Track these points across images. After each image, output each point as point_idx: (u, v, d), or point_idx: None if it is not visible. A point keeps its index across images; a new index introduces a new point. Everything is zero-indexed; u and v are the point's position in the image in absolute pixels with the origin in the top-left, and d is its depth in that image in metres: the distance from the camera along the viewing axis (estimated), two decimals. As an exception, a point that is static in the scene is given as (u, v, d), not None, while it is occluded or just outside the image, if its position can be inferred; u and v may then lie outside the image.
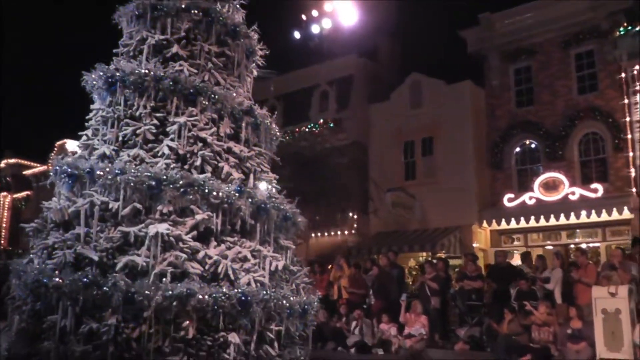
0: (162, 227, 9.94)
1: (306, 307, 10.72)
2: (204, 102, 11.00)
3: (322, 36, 26.17)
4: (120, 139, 11.08)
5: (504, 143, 26.90)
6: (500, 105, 27.40)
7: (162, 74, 10.90)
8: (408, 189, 27.96)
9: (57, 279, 9.74)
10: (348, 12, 26.62)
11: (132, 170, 10.28)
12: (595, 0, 24.78)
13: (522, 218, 25.67)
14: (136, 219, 10.40)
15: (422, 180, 28.47)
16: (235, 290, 9.82)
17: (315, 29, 25.93)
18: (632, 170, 23.64)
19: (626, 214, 23.35)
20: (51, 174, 11.18)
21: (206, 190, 10.30)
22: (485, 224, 26.88)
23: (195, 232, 10.25)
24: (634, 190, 23.50)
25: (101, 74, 11.17)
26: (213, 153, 10.85)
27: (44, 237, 10.83)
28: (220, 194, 10.34)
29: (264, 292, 10.04)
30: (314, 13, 26.07)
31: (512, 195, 26.17)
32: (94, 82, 11.37)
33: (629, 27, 23.86)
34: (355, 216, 29.70)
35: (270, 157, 12.17)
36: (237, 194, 10.52)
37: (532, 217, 25.36)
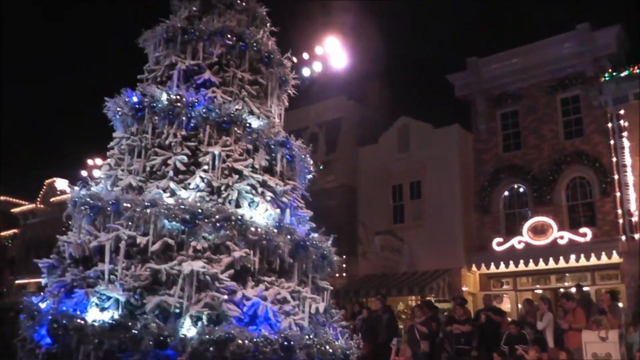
0: (197, 265, 8.85)
1: (347, 352, 9.63)
2: (238, 131, 10.01)
3: (312, 79, 25.45)
4: (147, 169, 10.00)
5: (491, 187, 26.36)
6: (487, 149, 26.95)
7: (194, 100, 9.89)
8: (396, 232, 27.13)
9: (78, 320, 8.55)
10: (338, 55, 25.96)
11: (164, 203, 9.19)
12: (581, 46, 24.64)
13: (511, 262, 25.01)
14: (166, 255, 9.30)
15: (411, 224, 27.69)
16: (278, 334, 8.73)
17: (305, 71, 25.20)
18: (620, 214, 23.18)
19: (615, 258, 22.87)
20: (69, 205, 10.00)
21: (244, 226, 9.25)
22: (474, 267, 26.11)
23: (232, 271, 9.16)
24: (622, 234, 23.00)
25: (127, 99, 10.12)
26: (249, 186, 9.80)
27: (60, 274, 9.63)
28: (259, 229, 9.29)
29: (307, 336, 8.96)
30: (305, 56, 25.35)
31: (500, 239, 25.53)
32: (118, 109, 10.30)
33: (614, 73, 23.68)
34: (343, 258, 28.61)
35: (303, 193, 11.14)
36: (275, 230, 9.47)
37: (521, 261, 24.72)
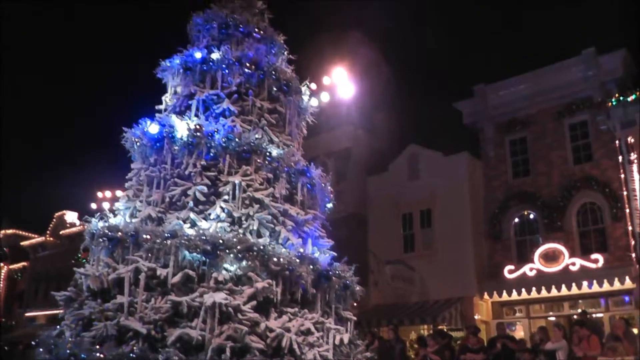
0: (219, 297, 8.63)
1: (372, 385, 9.36)
2: (258, 160, 9.86)
3: (320, 109, 25.29)
4: (166, 200, 9.81)
5: (502, 214, 26.03)
6: (497, 176, 26.67)
7: (214, 129, 9.74)
8: (407, 261, 26.76)
9: (97, 354, 8.32)
10: (346, 85, 25.89)
11: (185, 234, 8.99)
12: (587, 71, 24.51)
13: (523, 289, 24.56)
14: (187, 287, 9.08)
15: (421, 252, 27.33)
16: (302, 366, 8.48)
17: (314, 102, 25.04)
18: (632, 240, 22.87)
19: (628, 283, 22.45)
20: (86, 237, 9.80)
21: (266, 256, 9.04)
22: (486, 295, 25.68)
23: (254, 302, 8.92)
24: (634, 259, 22.66)
25: (146, 130, 9.98)
26: (270, 216, 9.59)
27: (77, 307, 9.40)
28: (282, 260, 9.08)
29: (332, 368, 8.71)
30: (313, 86, 25.24)
31: (512, 267, 25.13)
32: (136, 140, 10.15)
33: (621, 98, 23.50)
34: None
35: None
36: (297, 260, 9.25)
37: (533, 288, 24.27)
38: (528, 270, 24.95)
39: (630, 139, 23.19)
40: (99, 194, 29.36)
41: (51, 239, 39.42)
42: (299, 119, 11.28)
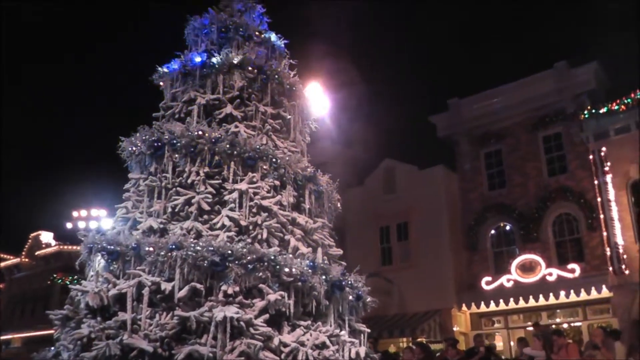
0: (230, 311, 7.96)
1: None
2: (264, 167, 9.23)
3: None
4: (169, 210, 9.12)
5: (478, 226, 25.80)
6: (472, 188, 26.40)
7: (218, 135, 9.10)
8: (385, 274, 26.30)
9: (101, 375, 7.61)
10: (321, 101, 25.40)
11: (191, 245, 8.32)
12: (560, 83, 24.48)
13: (501, 300, 24.31)
14: (194, 301, 8.39)
15: (399, 265, 26.90)
16: (320, 382, 7.86)
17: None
18: (608, 248, 22.76)
19: (605, 292, 22.33)
20: (82, 251, 9.05)
21: (277, 267, 8.40)
22: (464, 307, 25.35)
23: (266, 316, 8.28)
24: (610, 268, 22.54)
25: (145, 137, 9.28)
26: (279, 224, 8.97)
27: (74, 326, 8.61)
28: (294, 270, 8.46)
29: (350, 383, 8.11)
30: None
31: (489, 278, 24.87)
32: (134, 148, 9.45)
33: (593, 110, 23.50)
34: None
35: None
36: (310, 271, 8.64)
37: (511, 299, 24.05)
38: (505, 281, 24.79)
39: (604, 150, 23.18)
40: (75, 214, 28.28)
41: (27, 260, 37.88)
42: (303, 125, 10.68)
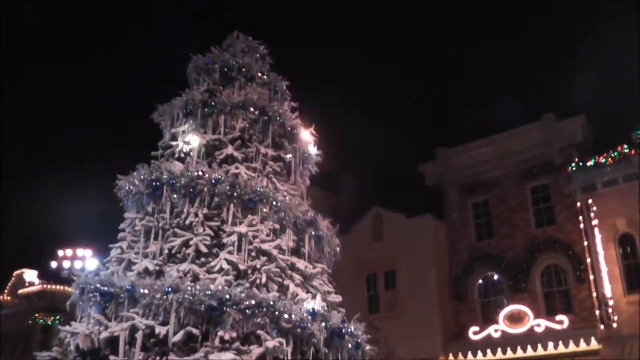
0: (227, 357, 7.63)
1: None
2: (264, 210, 8.97)
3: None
4: (165, 251, 8.80)
5: (466, 275, 25.43)
6: (460, 238, 26.16)
7: (218, 176, 8.84)
8: (372, 322, 25.77)
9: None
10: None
11: (188, 288, 7.99)
12: (547, 136, 24.48)
13: (488, 350, 23.81)
14: (189, 346, 8.03)
15: (386, 313, 26.39)
16: None
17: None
18: (596, 301, 22.55)
19: (594, 344, 22.00)
20: (74, 291, 8.67)
21: (276, 313, 8.08)
22: (451, 356, 24.78)
23: (264, 363, 7.92)
24: (599, 321, 22.29)
25: (144, 176, 9.00)
26: (278, 269, 8.67)
27: (63, 369, 8.21)
28: (293, 316, 8.13)
29: None
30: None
31: (477, 328, 24.43)
32: (131, 187, 9.16)
33: (581, 162, 23.51)
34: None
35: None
36: (309, 317, 8.32)
37: (499, 349, 23.58)
38: (493, 331, 24.35)
39: (592, 203, 23.12)
40: (60, 252, 27.65)
41: (9, 298, 36.88)
42: (304, 168, 10.44)
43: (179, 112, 9.81)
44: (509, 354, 23.59)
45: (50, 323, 27.74)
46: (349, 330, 8.70)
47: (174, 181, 8.82)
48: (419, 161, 27.46)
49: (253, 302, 7.96)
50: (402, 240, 26.44)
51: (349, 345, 8.74)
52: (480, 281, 25.73)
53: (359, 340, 9.00)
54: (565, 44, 51.41)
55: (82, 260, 26.04)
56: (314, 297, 8.92)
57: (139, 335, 7.85)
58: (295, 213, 9.15)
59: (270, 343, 7.92)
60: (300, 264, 9.01)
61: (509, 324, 24.06)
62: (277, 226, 9.02)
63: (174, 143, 9.83)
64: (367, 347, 9.35)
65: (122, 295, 8.20)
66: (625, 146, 22.72)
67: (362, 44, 56.13)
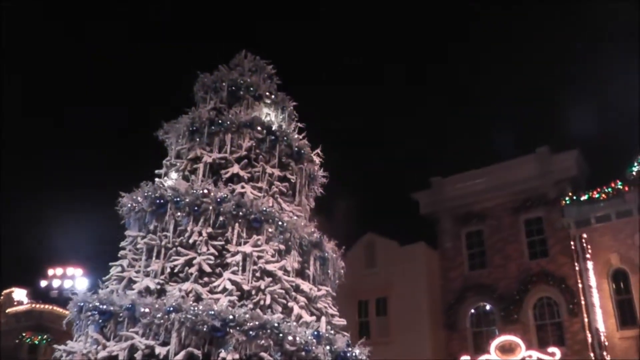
0: (230, 380, 7.34)
1: None
2: (270, 230, 8.73)
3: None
4: (167, 270, 8.55)
5: (458, 305, 25.19)
6: (453, 267, 25.98)
7: (223, 195, 8.63)
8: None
9: None
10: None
11: (191, 308, 7.74)
12: (541, 169, 24.47)
13: (479, 380, 23.62)
14: (189, 368, 7.75)
15: (377, 340, 25.90)
16: None
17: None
18: (589, 334, 22.35)
19: (586, 377, 21.83)
20: (72, 310, 8.39)
21: (280, 335, 7.83)
22: (442, 386, 24.58)
23: (267, 387, 7.65)
24: (592, 354, 22.07)
25: (148, 193, 8.77)
26: (283, 290, 8.43)
27: (58, 391, 7.90)
28: (297, 339, 7.88)
29: None
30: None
31: (468, 358, 24.13)
32: (134, 205, 8.91)
33: (574, 197, 23.47)
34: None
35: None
36: (314, 340, 8.07)
37: (490, 380, 23.37)
38: (484, 361, 24.10)
39: (585, 237, 23.06)
40: (50, 271, 27.15)
41: (-3, 317, 36.23)
42: (309, 189, 10.23)
43: (185, 130, 9.60)
44: (500, 385, 23.31)
45: (37, 342, 27.18)
46: (354, 354, 8.44)
47: (178, 199, 8.59)
48: (414, 189, 27.34)
49: (257, 323, 7.71)
50: (394, 267, 26.27)
51: (353, 371, 8.47)
52: (473, 311, 25.54)
53: (363, 365, 8.73)
54: (563, 78, 51.79)
55: (72, 279, 25.58)
56: (318, 319, 8.68)
57: (138, 356, 7.57)
58: (301, 234, 8.92)
59: (274, 366, 7.66)
60: (305, 285, 8.77)
61: (500, 354, 23.81)
62: (282, 247, 8.78)
63: (178, 161, 9.61)
64: (370, 374, 9.07)
65: (121, 314, 7.92)
66: (619, 182, 22.71)
67: (360, 66, 56.31)
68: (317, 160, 10.31)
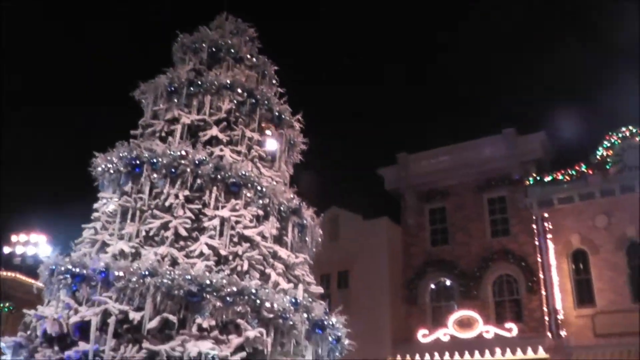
0: (205, 346, 7.12)
1: None
2: (248, 195, 8.45)
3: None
4: (142, 234, 8.23)
5: (419, 279, 25.26)
6: (416, 243, 25.97)
7: (202, 157, 8.32)
8: (324, 321, 25.44)
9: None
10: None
11: (167, 272, 7.46)
12: (507, 149, 24.55)
13: (436, 353, 23.67)
14: (164, 334, 7.50)
15: (337, 313, 26.04)
16: None
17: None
18: (546, 312, 22.69)
19: (541, 353, 22.12)
20: (43, 273, 8.04)
21: (258, 302, 7.61)
22: (399, 358, 24.66)
23: (244, 354, 7.45)
24: (548, 331, 22.43)
25: (123, 154, 8.41)
26: (261, 256, 8.21)
27: (28, 356, 7.55)
28: (275, 306, 7.68)
29: None
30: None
31: (426, 331, 24.29)
32: (109, 165, 8.55)
33: (538, 178, 23.64)
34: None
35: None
36: (292, 308, 7.89)
37: (447, 353, 23.48)
38: (442, 335, 24.27)
39: (547, 218, 23.28)
40: (14, 238, 26.24)
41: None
42: (289, 155, 9.96)
43: (163, 90, 9.21)
44: (457, 358, 23.59)
45: (-4, 310, 26.42)
46: (330, 323, 8.29)
47: (154, 160, 8.24)
48: (380, 165, 27.25)
49: (235, 289, 7.46)
50: (357, 241, 26.20)
51: (329, 339, 8.32)
52: (433, 286, 25.67)
53: (339, 333, 8.58)
54: (533, 64, 52.11)
55: (36, 246, 24.81)
56: (295, 287, 8.49)
57: (111, 321, 7.26)
58: (280, 200, 8.67)
59: (251, 333, 7.43)
60: (283, 252, 8.53)
61: (458, 329, 24.06)
62: (260, 212, 8.51)
63: (155, 122, 9.24)
64: (347, 342, 8.94)
65: (94, 278, 7.59)
66: (583, 165, 22.95)
67: (334, 39, 55.72)
68: (297, 126, 10.03)
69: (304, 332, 7.89)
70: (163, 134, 9.05)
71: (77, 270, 7.56)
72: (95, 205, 8.61)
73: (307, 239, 9.21)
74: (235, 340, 7.42)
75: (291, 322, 7.73)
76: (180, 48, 10.14)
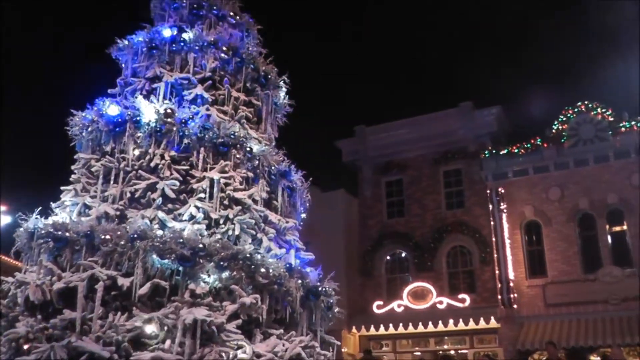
0: (200, 313, 6.71)
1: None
2: (238, 156, 8.01)
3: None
4: (127, 196, 7.72)
5: (374, 251, 25.30)
6: (372, 215, 25.81)
7: (189, 117, 7.84)
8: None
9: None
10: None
11: (157, 235, 7.01)
12: (463, 123, 24.66)
13: (390, 325, 23.88)
14: (154, 301, 7.07)
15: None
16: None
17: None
18: (498, 282, 23.01)
19: (493, 323, 22.49)
20: (21, 238, 7.46)
21: (253, 267, 7.24)
22: (354, 329, 24.71)
23: (239, 321, 7.08)
24: (500, 301, 22.76)
25: (104, 111, 7.84)
26: (252, 220, 7.81)
27: (7, 325, 7.00)
28: (271, 271, 7.32)
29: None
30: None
31: (381, 302, 24.43)
32: (88, 124, 7.97)
33: (494, 151, 23.84)
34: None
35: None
36: (287, 273, 7.55)
37: (401, 324, 23.65)
38: (396, 306, 24.52)
39: (501, 190, 23.51)
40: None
41: None
42: (273, 117, 9.53)
43: (143, 47, 8.64)
44: (411, 329, 24.03)
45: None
46: (324, 289, 7.99)
47: (138, 118, 7.72)
48: (338, 137, 27.06)
49: (229, 253, 7.08)
50: (314, 213, 25.86)
51: (322, 306, 8.03)
52: (388, 258, 25.88)
53: (331, 300, 8.30)
54: (493, 37, 52.40)
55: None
56: (287, 252, 8.15)
57: (99, 287, 6.78)
58: (270, 161, 8.27)
59: (247, 299, 7.06)
60: (274, 216, 8.16)
61: (412, 300, 24.35)
62: (250, 174, 8.10)
63: (135, 79, 8.66)
64: (337, 310, 8.66)
65: (78, 242, 7.08)
66: (539, 139, 23.24)
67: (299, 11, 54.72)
68: (284, 87, 9.60)
69: (298, 299, 7.53)
70: (144, 93, 8.48)
71: (60, 233, 7.03)
72: (74, 167, 8.03)
73: (296, 203, 8.82)
74: (229, 307, 7.03)
75: (285, 288, 7.40)
76: (159, 4, 9.55)
